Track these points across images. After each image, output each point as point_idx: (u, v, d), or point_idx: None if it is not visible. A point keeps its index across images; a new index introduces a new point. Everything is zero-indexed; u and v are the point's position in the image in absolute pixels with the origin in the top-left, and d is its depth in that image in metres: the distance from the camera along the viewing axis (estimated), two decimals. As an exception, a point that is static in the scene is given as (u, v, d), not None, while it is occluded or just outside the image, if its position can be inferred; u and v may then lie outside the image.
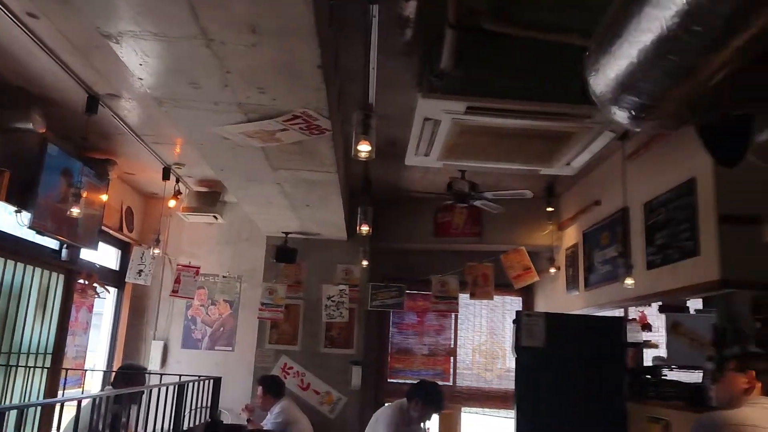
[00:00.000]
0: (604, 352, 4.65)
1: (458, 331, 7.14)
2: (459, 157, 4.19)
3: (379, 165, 5.58)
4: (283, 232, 6.21)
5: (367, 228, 4.27)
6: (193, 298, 6.38)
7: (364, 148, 2.69)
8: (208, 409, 4.10)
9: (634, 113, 2.11)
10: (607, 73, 2.03)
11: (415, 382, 4.64)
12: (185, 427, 3.59)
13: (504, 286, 6.56)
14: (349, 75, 3.69)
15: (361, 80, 3.37)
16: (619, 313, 5.76)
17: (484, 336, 7.20)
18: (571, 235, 6.01)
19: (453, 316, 7.03)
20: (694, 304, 5.87)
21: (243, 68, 2.77)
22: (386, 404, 4.58)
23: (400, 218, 6.66)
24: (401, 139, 4.33)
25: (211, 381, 4.11)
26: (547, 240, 6.37)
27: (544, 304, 6.78)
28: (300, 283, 6.41)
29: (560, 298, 6.21)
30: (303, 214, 5.53)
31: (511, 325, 4.78)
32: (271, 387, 5.18)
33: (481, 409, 7.07)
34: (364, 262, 6.14)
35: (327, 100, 3.07)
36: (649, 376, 4.43)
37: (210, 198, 6.34)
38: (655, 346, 5.71)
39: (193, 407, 3.77)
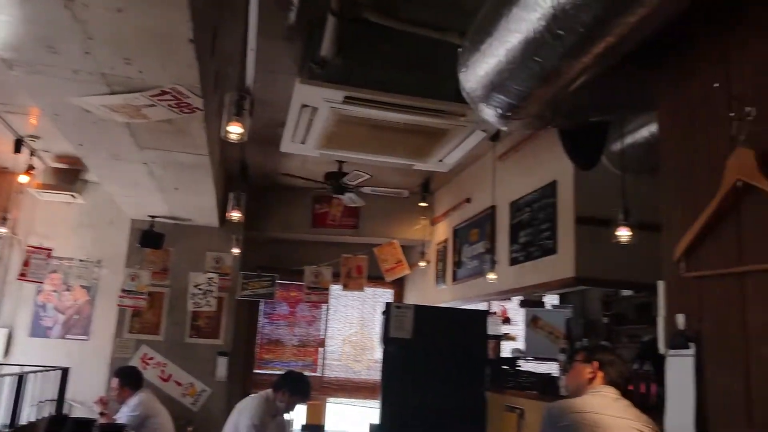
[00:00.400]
0: (467, 344, 4.83)
1: (329, 323, 7.14)
2: (337, 147, 4.17)
3: (258, 151, 5.43)
4: (149, 216, 5.88)
5: (239, 214, 4.14)
6: (43, 282, 5.88)
7: (234, 130, 2.59)
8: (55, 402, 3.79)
9: (501, 111, 2.19)
10: (477, 71, 2.09)
11: (282, 372, 4.57)
12: (25, 421, 3.30)
13: (378, 279, 6.63)
14: (231, 58, 3.54)
15: (241, 63, 3.26)
16: (483, 306, 6.03)
17: (355, 327, 7.25)
18: (443, 231, 6.19)
19: (325, 307, 7.02)
20: (552, 299, 6.26)
21: (107, 35, 2.56)
22: (251, 395, 4.46)
23: (277, 207, 6.54)
24: (282, 125, 4.23)
25: (59, 372, 3.80)
26: (420, 234, 6.52)
27: (414, 297, 6.95)
28: (167, 270, 6.10)
29: (430, 291, 6.39)
30: (172, 198, 5.26)
31: (381, 316, 4.84)
32: (127, 378, 4.87)
33: (348, 399, 7.11)
34: (236, 250, 5.96)
35: (200, 77, 2.92)
36: (507, 367, 4.65)
37: (69, 175, 5.87)
38: (514, 338, 6.03)
39: (37, 400, 3.46)
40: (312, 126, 3.75)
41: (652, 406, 2.83)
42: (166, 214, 5.85)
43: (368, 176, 5.13)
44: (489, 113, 2.26)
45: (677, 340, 1.74)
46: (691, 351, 1.69)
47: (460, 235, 5.73)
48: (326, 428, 5.73)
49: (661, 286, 1.89)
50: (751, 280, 1.56)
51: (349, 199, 5.28)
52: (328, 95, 3.35)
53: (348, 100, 3.36)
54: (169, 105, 3.20)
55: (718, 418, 1.62)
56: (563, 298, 6.14)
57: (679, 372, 1.72)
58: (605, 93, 2.26)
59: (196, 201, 5.31)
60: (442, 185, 6.34)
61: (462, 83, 2.25)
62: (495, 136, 4.60)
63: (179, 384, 5.86)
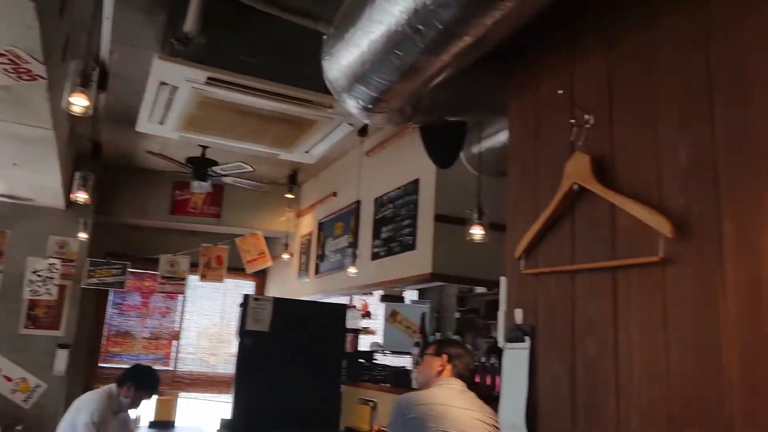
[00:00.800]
0: (326, 337, 4.82)
1: (186, 315, 6.84)
2: (198, 131, 3.98)
3: (113, 130, 5.07)
4: (-18, 193, 5.30)
5: (85, 196, 3.83)
6: None
7: (78, 102, 2.39)
8: None
9: (363, 104, 2.18)
10: (341, 60, 2.06)
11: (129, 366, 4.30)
12: None
13: (239, 270, 6.45)
14: (86, 25, 3.26)
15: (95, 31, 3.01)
16: (345, 300, 6.06)
17: (214, 319, 7.01)
18: (308, 223, 6.15)
19: (181, 298, 6.71)
20: (412, 295, 6.42)
21: (-73, -18, 2.25)
22: (91, 390, 4.15)
23: (133, 191, 6.15)
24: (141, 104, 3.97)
25: None
26: (285, 226, 6.43)
27: (276, 290, 6.84)
28: (1, 253, 5.54)
29: (292, 284, 6.32)
30: (10, 174, 4.77)
31: (239, 309, 4.70)
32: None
33: (203, 394, 6.86)
34: (83, 235, 5.53)
35: (41, 41, 2.65)
36: (363, 361, 4.69)
37: None
38: (374, 332, 6.13)
39: None
40: (171, 106, 3.55)
41: (495, 397, 2.97)
42: (3, 192, 5.30)
43: (251, 169, 4.97)
44: (351, 104, 2.25)
45: (514, 334, 1.82)
46: (526, 345, 1.78)
47: (324, 228, 5.71)
48: (176, 424, 5.49)
49: (503, 282, 1.97)
50: (579, 278, 1.67)
51: (198, 186, 5.07)
52: (189, 74, 3.18)
53: (211, 81, 3.21)
54: (5, 70, 2.88)
55: (546, 408, 1.72)
56: (422, 294, 6.32)
57: (515, 365, 1.80)
58: (463, 92, 2.32)
59: (38, 179, 4.85)
60: (310, 178, 6.29)
61: (325, 71, 2.21)
62: (363, 131, 4.62)
63: (9, 379, 5.33)
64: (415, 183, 4.26)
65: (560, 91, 1.78)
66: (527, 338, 1.78)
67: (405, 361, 5.20)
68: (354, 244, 4.88)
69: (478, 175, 3.42)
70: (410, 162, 4.37)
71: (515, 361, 1.81)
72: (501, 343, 1.89)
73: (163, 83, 3.31)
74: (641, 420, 1.44)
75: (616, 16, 1.70)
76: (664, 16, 1.55)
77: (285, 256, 6.30)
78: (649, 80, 1.57)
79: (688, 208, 1.41)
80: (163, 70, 3.17)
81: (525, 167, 1.95)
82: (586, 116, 1.72)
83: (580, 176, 1.66)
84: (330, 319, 4.89)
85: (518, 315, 1.85)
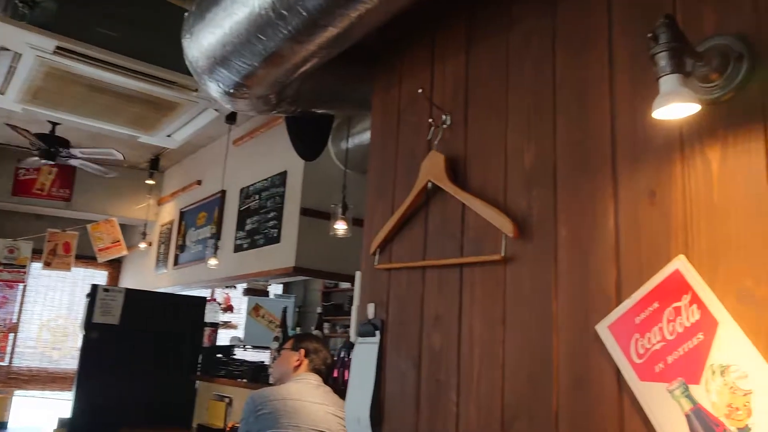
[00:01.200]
0: (182, 331, 4.61)
1: (26, 305, 6.27)
2: (45, 105, 3.66)
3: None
4: None
5: None
6: None
7: None
8: None
9: (225, 88, 2.09)
10: (201, 40, 1.96)
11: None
12: None
13: (91, 259, 6.02)
14: None
15: None
16: (207, 293, 5.84)
17: (60, 311, 6.48)
18: (169, 212, 5.86)
19: (21, 287, 6.14)
20: (277, 289, 6.33)
21: None
22: None
23: (-32, 167, 5.54)
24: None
25: None
26: (144, 214, 6.08)
27: (131, 281, 6.46)
28: None
29: (149, 275, 5.99)
30: None
31: (85, 299, 4.38)
32: None
33: (42, 391, 6.32)
34: None
35: None
36: (221, 355, 4.55)
37: None
38: (235, 327, 5.97)
39: None
40: (14, 75, 3.23)
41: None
42: None
43: (120, 157, 4.62)
44: (213, 88, 2.15)
45: (365, 329, 1.83)
46: (376, 339, 1.79)
47: (186, 217, 5.47)
48: (9, 424, 5.02)
49: (357, 277, 1.98)
50: (429, 274, 1.70)
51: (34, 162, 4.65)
52: (35, 41, 2.91)
53: (60, 51, 2.95)
54: None
55: (392, 402, 1.74)
56: (287, 288, 6.25)
57: (364, 359, 1.81)
58: (330, 85, 2.29)
59: None
60: (173, 164, 6.00)
61: (185, 51, 2.10)
62: (231, 119, 4.48)
63: None
64: (283, 175, 4.19)
65: (420, 90, 1.80)
66: (377, 333, 1.80)
67: (265, 357, 5.11)
68: (217, 236, 4.71)
69: (344, 170, 3.42)
70: (279, 153, 4.30)
71: (365, 355, 1.82)
72: (353, 337, 1.89)
73: (4, 48, 3.00)
74: (478, 413, 1.50)
75: (476, 19, 1.75)
76: (518, 23, 1.62)
77: (142, 245, 5.96)
78: (502, 85, 1.63)
79: (530, 211, 1.48)
80: (4, 33, 2.87)
81: (384, 163, 1.97)
82: (444, 116, 1.76)
83: (435, 175, 1.69)
84: (187, 313, 4.68)
85: (370, 310, 1.86)
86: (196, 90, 3.32)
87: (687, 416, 1.12)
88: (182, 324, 4.64)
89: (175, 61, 3.16)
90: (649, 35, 1.09)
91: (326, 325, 5.84)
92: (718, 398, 1.09)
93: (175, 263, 5.42)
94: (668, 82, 1.07)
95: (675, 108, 1.09)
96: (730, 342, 1.09)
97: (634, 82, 1.32)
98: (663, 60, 1.08)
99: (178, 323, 4.63)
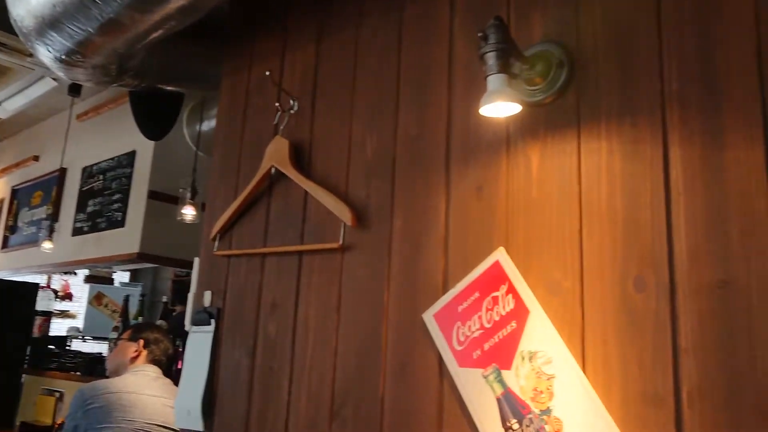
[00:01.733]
0: (8, 321, 4.21)
1: None
2: None
3: None
4: None
5: None
6: None
7: None
8: None
9: (56, 54, 1.92)
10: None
11: None
12: None
13: None
14: None
15: None
16: (41, 279, 5.37)
17: None
18: (0, 189, 5.32)
19: None
20: (123, 277, 5.96)
21: None
22: None
23: None
24: None
25: None
26: (-32, 190, 5.47)
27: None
28: None
29: (-27, 259, 5.40)
30: None
31: None
32: None
33: None
34: None
35: None
36: (53, 347, 4.21)
37: None
38: (74, 316, 5.54)
39: None
40: None
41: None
42: None
43: None
44: (43, 53, 1.96)
45: (200, 317, 1.76)
46: (211, 328, 1.73)
47: (20, 195, 4.99)
48: None
49: (196, 263, 1.90)
50: (269, 261, 1.67)
51: None
52: None
53: None
54: None
55: (225, 392, 1.69)
56: (134, 276, 5.90)
57: (198, 349, 1.74)
58: (178, 61, 2.18)
59: None
60: (6, 137, 5.44)
61: (10, 9, 1.90)
62: (75, 91, 4.13)
63: None
64: (131, 155, 3.94)
65: (268, 72, 1.76)
66: (213, 321, 1.74)
67: (103, 348, 4.80)
68: (53, 217, 4.33)
69: (196, 152, 3.28)
70: (128, 132, 4.02)
71: (199, 344, 1.75)
72: (188, 326, 1.81)
73: None
74: (308, 401, 1.49)
75: (329, 9, 1.74)
76: (368, 17, 1.63)
77: (-35, 225, 5.36)
78: (349, 77, 1.63)
79: (368, 201, 1.49)
80: None
81: (229, 146, 1.90)
82: (291, 101, 1.73)
83: (278, 160, 1.66)
84: (15, 301, 4.28)
85: (206, 297, 1.79)
86: (31, 55, 3.02)
87: (498, 400, 1.18)
88: (8, 313, 4.24)
89: (7, 20, 2.87)
90: (480, 34, 1.13)
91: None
92: (526, 382, 1.16)
93: (4, 246, 4.93)
94: (495, 81, 1.12)
95: (499, 106, 1.15)
96: (538, 330, 1.16)
97: (469, 81, 1.37)
98: (491, 59, 1.12)
99: (3, 312, 4.23)
